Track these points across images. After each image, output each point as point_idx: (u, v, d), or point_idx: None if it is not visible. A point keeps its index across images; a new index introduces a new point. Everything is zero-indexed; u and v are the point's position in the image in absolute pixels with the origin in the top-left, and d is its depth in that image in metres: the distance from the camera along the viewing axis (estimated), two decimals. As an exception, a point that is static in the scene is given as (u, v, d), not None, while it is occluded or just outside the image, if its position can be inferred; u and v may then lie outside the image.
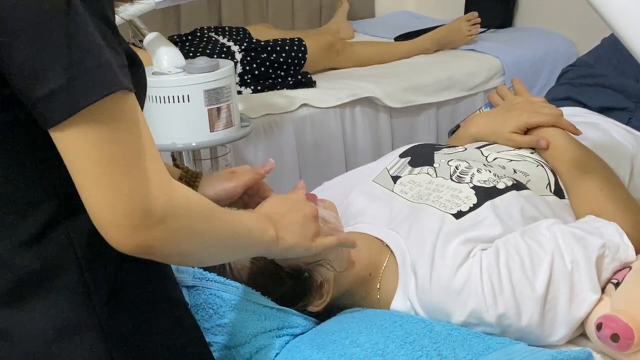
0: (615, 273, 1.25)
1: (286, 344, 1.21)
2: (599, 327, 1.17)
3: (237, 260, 1.19)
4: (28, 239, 0.87)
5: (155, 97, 1.81)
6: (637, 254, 1.28)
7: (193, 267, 1.22)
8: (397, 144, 2.71)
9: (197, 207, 0.88)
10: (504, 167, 1.44)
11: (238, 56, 2.63)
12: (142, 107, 0.88)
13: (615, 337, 1.15)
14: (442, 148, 1.52)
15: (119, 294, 0.92)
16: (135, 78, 0.84)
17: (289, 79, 2.66)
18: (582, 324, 1.23)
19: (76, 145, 0.78)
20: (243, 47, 2.67)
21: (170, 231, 0.82)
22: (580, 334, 1.26)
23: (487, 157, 1.49)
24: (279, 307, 1.21)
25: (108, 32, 0.80)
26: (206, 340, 1.05)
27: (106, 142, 0.78)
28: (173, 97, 1.81)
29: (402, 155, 1.51)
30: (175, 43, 2.70)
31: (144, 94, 0.94)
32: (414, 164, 1.46)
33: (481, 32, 3.17)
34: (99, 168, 0.78)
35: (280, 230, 1.06)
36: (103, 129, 0.78)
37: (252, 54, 2.65)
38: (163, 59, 1.85)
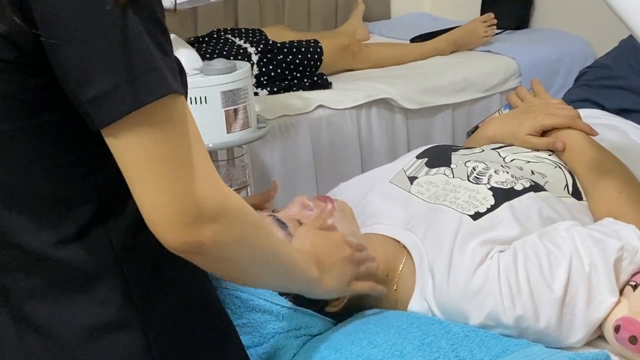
0: (633, 275, 1.25)
1: (304, 344, 1.21)
2: (617, 329, 1.17)
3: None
4: (68, 237, 0.89)
5: (173, 98, 1.81)
6: (655, 256, 1.28)
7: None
8: (412, 146, 2.71)
9: (250, 214, 0.89)
10: (521, 169, 1.44)
11: (254, 58, 2.64)
12: None
13: (633, 340, 1.15)
14: (459, 149, 1.52)
15: (157, 291, 0.93)
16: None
17: (305, 80, 2.67)
18: (600, 326, 1.23)
19: (128, 146, 0.80)
20: (259, 49, 2.67)
21: (221, 231, 0.83)
22: (598, 336, 1.25)
23: (504, 158, 1.48)
24: (296, 307, 1.21)
25: (160, 36, 0.82)
26: (239, 335, 1.06)
27: (158, 142, 0.80)
28: (190, 98, 1.81)
29: (419, 157, 1.51)
30: (192, 45, 2.71)
31: (185, 99, 0.95)
32: (431, 164, 1.46)
33: (497, 34, 3.16)
34: (152, 168, 0.80)
35: (322, 272, 1.07)
36: (154, 130, 0.79)
37: (269, 55, 2.65)
38: (180, 61, 1.85)
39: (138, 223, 0.91)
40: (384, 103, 2.66)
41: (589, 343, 1.24)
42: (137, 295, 0.92)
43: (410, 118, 2.73)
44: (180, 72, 0.89)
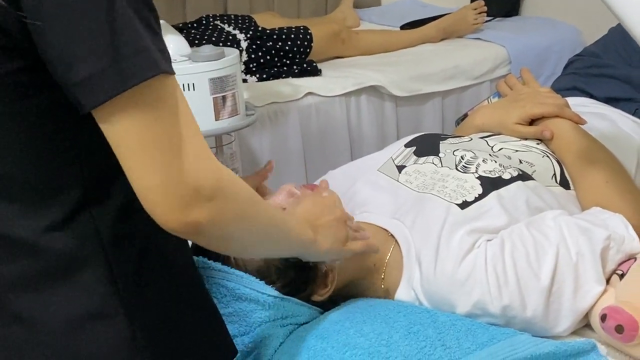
0: (620, 264, 1.25)
1: (290, 333, 1.21)
2: (603, 318, 1.17)
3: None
4: (54, 224, 0.88)
5: (161, 85, 1.81)
6: (642, 245, 1.28)
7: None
8: (402, 133, 2.71)
9: (245, 190, 0.89)
10: (509, 158, 1.44)
11: (244, 44, 2.63)
12: None
13: (619, 329, 1.15)
14: (448, 138, 1.52)
15: (143, 279, 0.92)
16: None
17: (295, 67, 2.66)
18: (587, 315, 1.23)
19: (120, 128, 0.79)
20: (249, 36, 2.66)
21: (218, 210, 0.83)
22: (584, 325, 1.26)
23: (492, 147, 1.48)
24: (283, 296, 1.21)
25: (149, 16, 0.81)
26: (225, 323, 1.06)
27: (149, 123, 0.79)
28: (178, 85, 1.81)
29: (407, 145, 1.50)
30: (181, 31, 2.70)
31: None
32: (419, 153, 1.46)
33: (487, 21, 3.15)
34: (145, 149, 0.79)
35: (316, 233, 1.07)
36: (145, 111, 0.79)
37: (258, 42, 2.64)
38: (168, 47, 1.84)
39: (125, 211, 0.90)
40: (374, 90, 2.66)
41: (575, 332, 1.25)
42: (123, 285, 0.91)
43: (399, 105, 2.73)
44: None
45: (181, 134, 0.80)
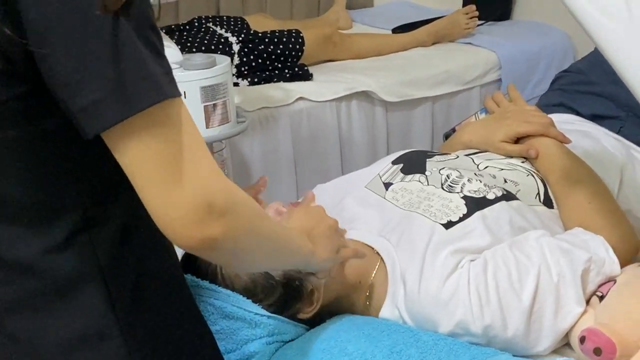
0: (600, 286, 1.28)
1: (276, 350, 1.23)
2: (582, 340, 1.20)
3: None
4: (53, 247, 0.89)
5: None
6: (622, 267, 1.31)
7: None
8: (392, 138, 2.72)
9: (253, 205, 0.91)
10: (494, 177, 1.46)
11: (235, 47, 2.64)
12: None
13: (597, 351, 1.17)
14: (434, 155, 1.54)
15: (139, 301, 0.94)
16: None
17: (286, 71, 2.67)
18: (567, 334, 1.26)
19: (128, 152, 0.80)
20: (241, 39, 2.67)
21: (231, 225, 0.84)
22: (565, 344, 1.28)
23: (478, 165, 1.50)
24: (269, 314, 1.23)
25: (154, 38, 0.82)
26: (217, 342, 1.08)
27: (158, 146, 0.80)
28: (169, 94, 1.82)
29: (394, 162, 1.52)
30: (173, 33, 2.71)
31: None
32: (406, 171, 1.48)
33: (479, 25, 3.16)
34: (155, 171, 0.80)
35: (314, 244, 1.10)
36: (152, 135, 0.80)
37: (250, 45, 2.65)
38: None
39: (123, 234, 0.92)
40: (364, 95, 2.67)
41: (555, 350, 1.27)
42: (120, 306, 0.92)
43: (390, 110, 2.74)
44: None
45: (189, 154, 0.82)
